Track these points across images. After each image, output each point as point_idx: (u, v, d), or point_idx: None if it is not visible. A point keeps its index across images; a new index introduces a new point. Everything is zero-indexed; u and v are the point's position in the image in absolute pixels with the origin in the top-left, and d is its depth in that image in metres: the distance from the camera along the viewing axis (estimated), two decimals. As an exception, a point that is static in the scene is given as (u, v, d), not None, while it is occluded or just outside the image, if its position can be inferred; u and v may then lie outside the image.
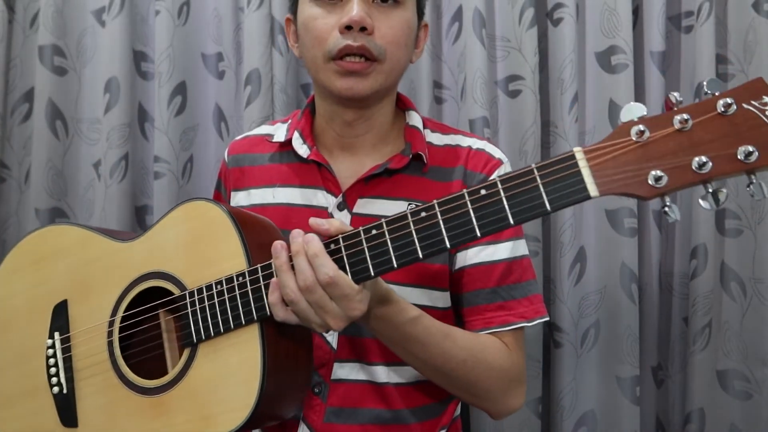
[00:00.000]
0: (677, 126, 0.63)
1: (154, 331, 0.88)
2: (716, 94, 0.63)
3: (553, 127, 1.47)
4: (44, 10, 1.49)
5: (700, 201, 0.64)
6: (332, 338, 0.93)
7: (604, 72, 1.44)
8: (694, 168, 0.62)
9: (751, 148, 0.61)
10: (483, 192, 0.69)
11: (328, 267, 0.72)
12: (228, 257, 0.79)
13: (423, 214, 0.71)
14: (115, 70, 1.47)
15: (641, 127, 0.64)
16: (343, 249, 0.74)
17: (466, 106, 1.45)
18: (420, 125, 1.00)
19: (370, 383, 0.93)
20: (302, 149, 0.98)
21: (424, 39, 1.02)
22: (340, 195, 0.95)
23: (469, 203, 0.70)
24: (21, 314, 0.93)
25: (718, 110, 0.62)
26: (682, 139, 0.63)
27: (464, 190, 0.70)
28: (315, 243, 0.73)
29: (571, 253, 1.44)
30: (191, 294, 0.81)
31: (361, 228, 0.74)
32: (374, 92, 0.92)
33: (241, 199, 1.02)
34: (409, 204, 0.94)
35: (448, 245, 0.70)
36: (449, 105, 1.51)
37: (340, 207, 0.95)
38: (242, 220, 0.82)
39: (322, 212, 0.95)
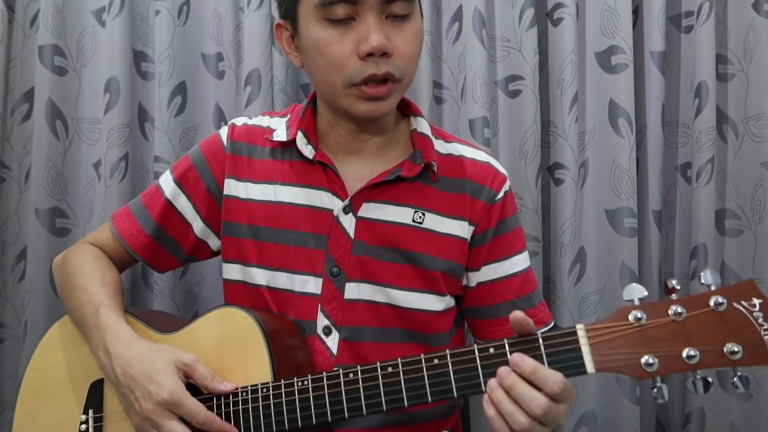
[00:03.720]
0: (672, 317, 0.69)
1: None
2: (711, 288, 0.69)
3: (553, 127, 1.47)
4: (44, 10, 1.49)
5: (687, 384, 0.69)
6: (332, 343, 0.93)
7: (604, 72, 1.44)
8: (683, 358, 0.68)
9: (736, 348, 0.66)
10: (492, 351, 0.75)
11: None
12: (255, 367, 0.87)
13: (436, 361, 0.78)
14: (115, 70, 1.46)
15: (639, 313, 0.70)
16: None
17: (466, 106, 1.45)
18: (429, 133, 1.00)
19: None
20: (307, 150, 0.96)
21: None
22: (348, 198, 0.94)
23: (478, 359, 0.76)
24: (60, 385, 0.98)
25: (711, 306, 0.68)
26: (675, 329, 0.69)
27: (475, 346, 0.76)
28: (527, 361, 0.73)
29: (571, 253, 1.44)
30: (218, 396, 0.86)
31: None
32: (392, 108, 0.95)
33: (237, 190, 0.99)
34: (415, 212, 0.95)
35: (456, 394, 0.76)
36: (449, 105, 1.51)
37: (345, 210, 0.94)
38: (272, 333, 0.88)
39: (327, 214, 0.95)
